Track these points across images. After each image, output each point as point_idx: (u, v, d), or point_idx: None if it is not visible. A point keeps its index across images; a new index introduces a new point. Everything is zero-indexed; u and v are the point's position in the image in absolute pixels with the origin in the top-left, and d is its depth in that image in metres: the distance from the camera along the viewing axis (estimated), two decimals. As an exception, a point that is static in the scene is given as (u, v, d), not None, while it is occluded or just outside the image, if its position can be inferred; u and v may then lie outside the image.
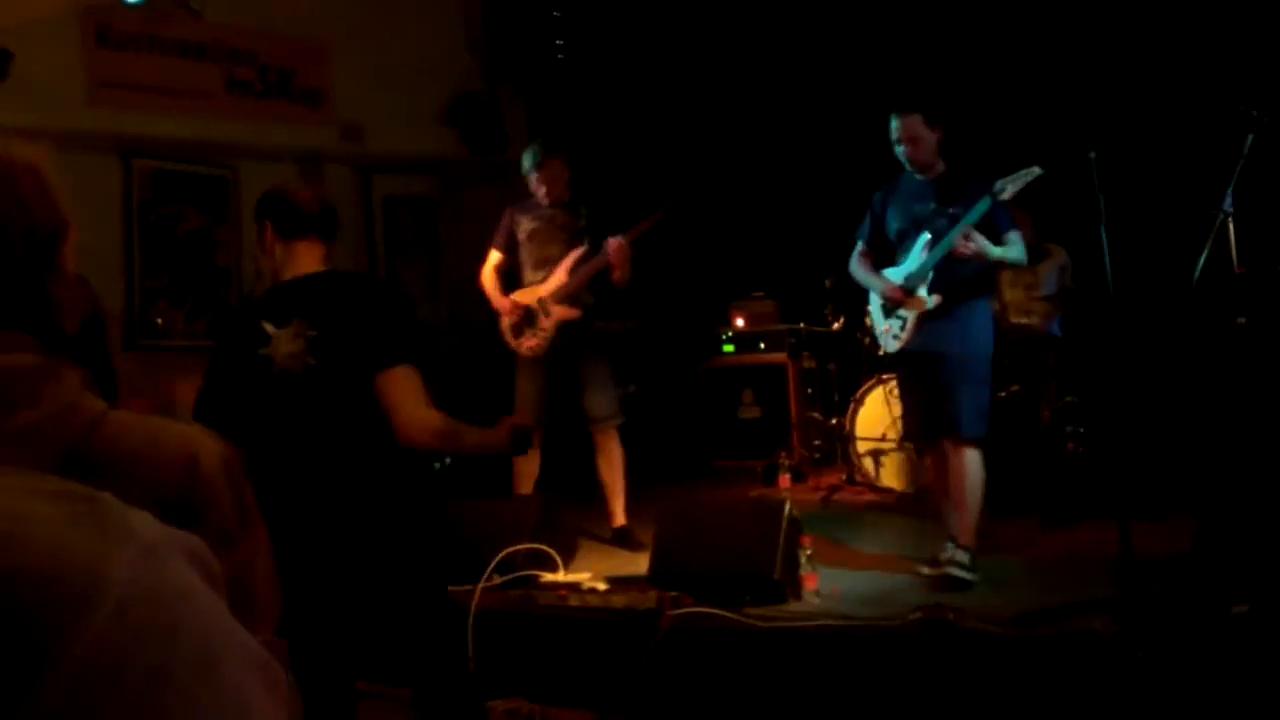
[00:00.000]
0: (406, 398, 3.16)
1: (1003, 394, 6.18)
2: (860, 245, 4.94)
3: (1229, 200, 4.14)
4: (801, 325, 7.51)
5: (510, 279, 5.62)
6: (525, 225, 5.55)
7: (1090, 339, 6.46)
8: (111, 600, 0.66)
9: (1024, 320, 6.68)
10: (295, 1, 6.80)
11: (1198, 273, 4.04)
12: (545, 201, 5.52)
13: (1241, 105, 4.22)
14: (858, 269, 4.94)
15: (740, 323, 7.80)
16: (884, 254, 4.87)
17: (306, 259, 3.29)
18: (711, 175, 7.75)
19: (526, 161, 5.53)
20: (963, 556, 4.55)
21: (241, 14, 6.67)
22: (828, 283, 6.79)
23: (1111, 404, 5.02)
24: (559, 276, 5.45)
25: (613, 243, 5.32)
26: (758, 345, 7.69)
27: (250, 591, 1.26)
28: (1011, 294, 6.75)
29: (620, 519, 5.66)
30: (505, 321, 5.55)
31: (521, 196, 5.67)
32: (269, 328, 3.24)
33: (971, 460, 4.60)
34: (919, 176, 4.72)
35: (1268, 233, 5.21)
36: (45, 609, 0.64)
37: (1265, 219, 5.13)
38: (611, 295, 5.62)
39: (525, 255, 5.57)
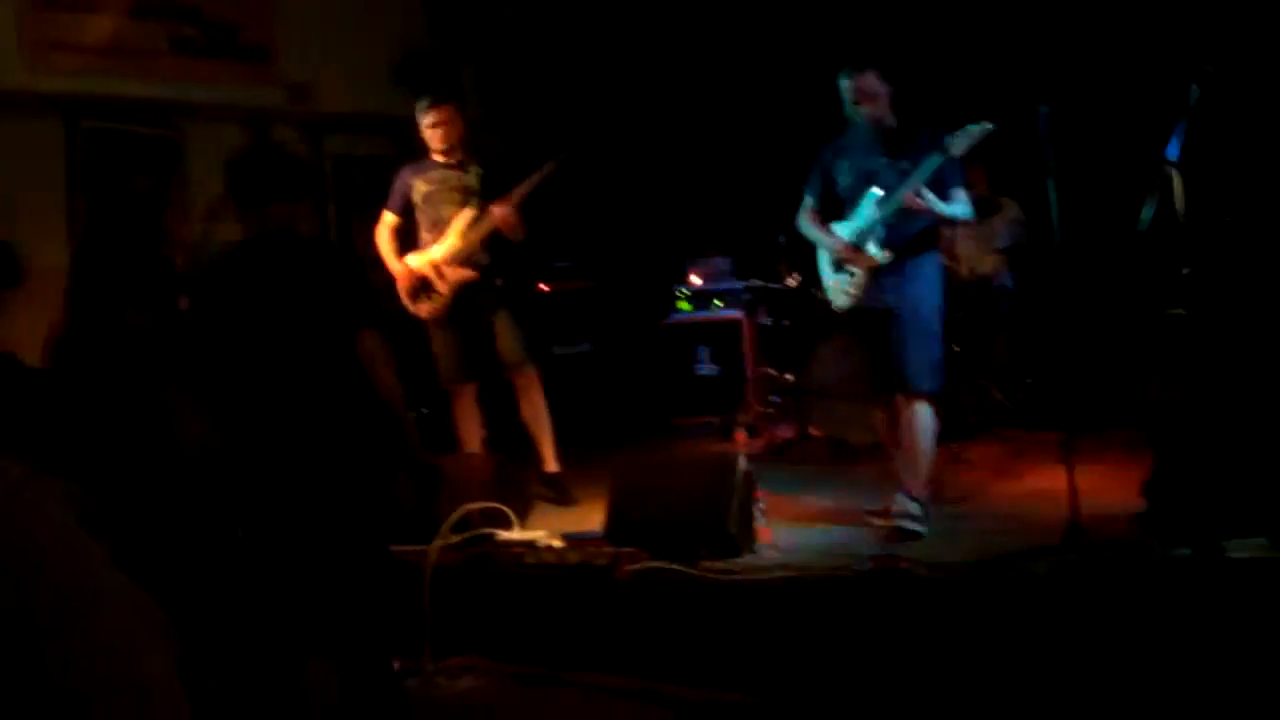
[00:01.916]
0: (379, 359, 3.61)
1: (956, 348, 6.23)
2: (809, 201, 4.92)
3: (1175, 150, 4.15)
4: (757, 282, 7.52)
5: (408, 240, 5.64)
6: (420, 187, 5.55)
7: (1041, 291, 6.51)
8: None
9: (976, 273, 6.73)
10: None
11: (1144, 223, 4.06)
12: (439, 155, 5.52)
13: (1189, 57, 4.23)
14: (807, 226, 4.93)
15: (696, 280, 7.80)
16: (833, 209, 4.87)
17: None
18: (656, 129, 7.74)
19: (418, 110, 5.53)
20: (914, 508, 4.59)
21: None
22: (782, 239, 6.79)
23: (1062, 356, 5.07)
24: (451, 240, 5.44)
25: (497, 211, 5.33)
26: (713, 302, 7.70)
27: None
28: (964, 247, 6.78)
29: (551, 464, 5.67)
30: (401, 286, 5.56)
31: (418, 157, 5.68)
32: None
33: (923, 414, 4.63)
34: (868, 131, 4.71)
35: (1214, 184, 5.27)
36: None
37: (1212, 170, 5.18)
38: (512, 252, 5.68)
39: (420, 217, 5.58)
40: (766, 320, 7.47)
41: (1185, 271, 4.21)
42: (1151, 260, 4.22)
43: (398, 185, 5.65)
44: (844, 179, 4.78)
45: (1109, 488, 4.73)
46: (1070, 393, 4.94)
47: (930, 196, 4.47)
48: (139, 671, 0.70)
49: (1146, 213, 4.06)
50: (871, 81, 4.60)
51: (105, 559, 0.73)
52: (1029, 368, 6.61)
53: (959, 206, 4.60)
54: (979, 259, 6.77)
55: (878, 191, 4.62)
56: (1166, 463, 4.32)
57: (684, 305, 7.77)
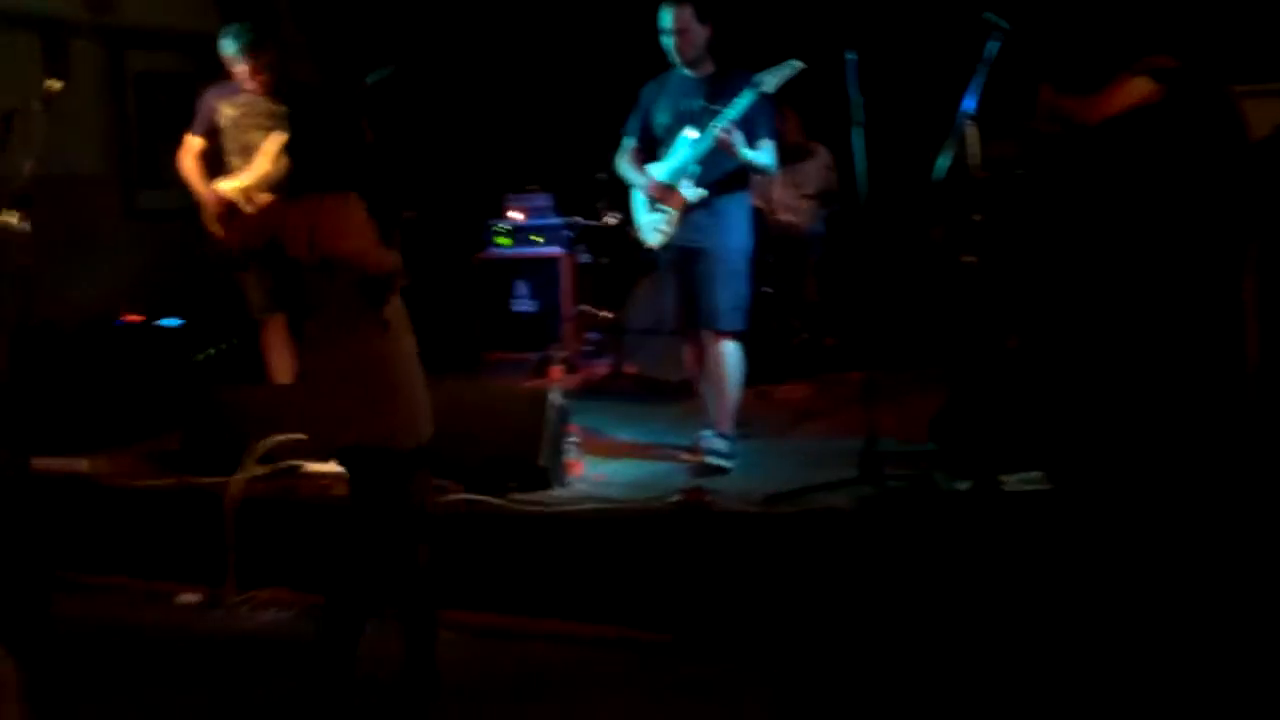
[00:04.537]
0: None
1: (767, 289, 6.40)
2: (627, 141, 4.97)
3: (972, 104, 4.34)
4: (577, 219, 7.54)
5: (215, 164, 5.46)
6: (227, 112, 5.38)
7: (848, 236, 6.75)
8: None
9: (788, 218, 6.91)
10: None
11: (940, 173, 4.24)
12: (254, 90, 5.36)
13: (987, 12, 4.40)
14: (624, 165, 4.97)
15: (515, 215, 7.76)
16: (651, 150, 4.92)
17: None
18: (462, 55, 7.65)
19: (231, 46, 5.31)
20: (721, 444, 4.74)
21: None
22: (601, 177, 6.82)
23: (863, 299, 5.29)
24: (261, 164, 5.30)
25: None
26: (532, 238, 7.68)
27: None
28: (779, 192, 6.95)
29: None
30: (209, 213, 5.39)
31: (221, 79, 5.48)
32: None
33: (730, 352, 4.76)
34: (688, 74, 4.77)
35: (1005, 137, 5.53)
36: None
37: (1005, 123, 5.43)
38: None
39: (228, 142, 5.41)
40: (586, 257, 7.51)
41: (977, 219, 4.43)
42: (946, 208, 4.44)
43: (202, 108, 5.46)
44: (662, 119, 4.83)
45: (905, 425, 4.97)
46: (873, 335, 5.16)
47: (739, 139, 4.57)
48: None
49: (942, 163, 4.24)
50: (687, 16, 4.66)
51: None
52: (836, 310, 6.85)
53: (763, 156, 4.71)
54: (790, 204, 6.95)
55: (692, 131, 4.69)
56: (952, 402, 4.57)
57: (503, 240, 7.73)
